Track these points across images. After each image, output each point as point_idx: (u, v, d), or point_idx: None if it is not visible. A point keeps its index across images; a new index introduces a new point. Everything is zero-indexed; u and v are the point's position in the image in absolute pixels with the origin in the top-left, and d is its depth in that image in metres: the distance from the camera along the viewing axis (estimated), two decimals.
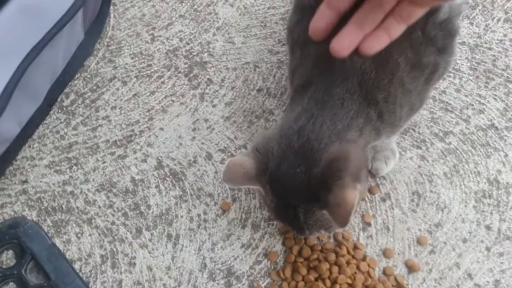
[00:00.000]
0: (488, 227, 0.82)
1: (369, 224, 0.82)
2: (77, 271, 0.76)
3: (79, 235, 0.80)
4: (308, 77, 0.66)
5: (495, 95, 0.93)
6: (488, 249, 0.80)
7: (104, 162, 0.86)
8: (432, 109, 0.92)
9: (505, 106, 0.92)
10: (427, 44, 0.65)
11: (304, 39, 0.67)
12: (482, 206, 0.84)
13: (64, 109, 0.91)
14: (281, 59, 0.97)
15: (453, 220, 0.82)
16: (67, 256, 0.77)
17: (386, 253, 0.79)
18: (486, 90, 0.94)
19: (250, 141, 0.88)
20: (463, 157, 0.88)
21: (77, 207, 0.82)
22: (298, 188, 0.61)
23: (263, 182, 0.63)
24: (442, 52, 0.68)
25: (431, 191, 0.85)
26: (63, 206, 0.82)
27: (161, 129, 0.89)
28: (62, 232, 0.80)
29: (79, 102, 0.91)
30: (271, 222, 0.81)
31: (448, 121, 0.92)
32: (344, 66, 0.63)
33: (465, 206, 0.84)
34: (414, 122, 0.91)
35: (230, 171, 0.63)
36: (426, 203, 0.84)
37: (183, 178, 0.85)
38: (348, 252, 0.77)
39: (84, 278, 0.76)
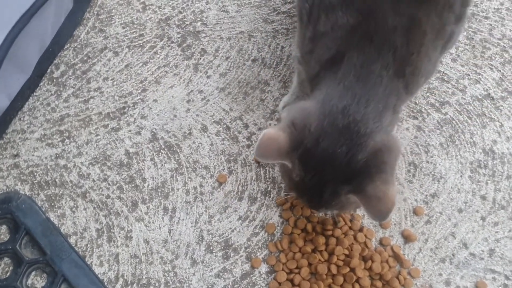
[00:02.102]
0: (483, 197, 0.82)
1: None
2: (73, 246, 0.75)
3: (73, 209, 0.79)
4: (338, 50, 0.64)
5: (491, 65, 0.92)
6: (483, 218, 0.81)
7: (97, 135, 0.84)
8: (428, 80, 0.91)
9: (501, 76, 0.92)
10: (449, 11, 0.65)
11: (329, 3, 0.64)
12: (477, 176, 0.84)
13: (55, 80, 0.88)
14: (277, 28, 0.95)
15: (449, 190, 0.83)
16: (62, 231, 0.77)
17: (382, 224, 0.80)
18: (482, 60, 0.93)
19: (245, 113, 0.87)
20: (459, 127, 0.88)
21: (71, 181, 0.81)
22: (335, 167, 0.60)
23: (293, 157, 0.61)
24: (459, 20, 0.67)
25: (427, 162, 0.85)
26: (56, 180, 0.81)
27: (155, 100, 0.87)
28: (56, 206, 0.79)
29: (70, 74, 0.89)
30: (268, 195, 0.81)
31: (444, 91, 0.91)
32: (379, 39, 0.61)
33: (461, 176, 0.84)
34: None
35: (264, 147, 0.60)
36: (423, 173, 0.84)
37: (178, 151, 0.83)
38: (346, 223, 0.77)
39: (80, 252, 0.75)
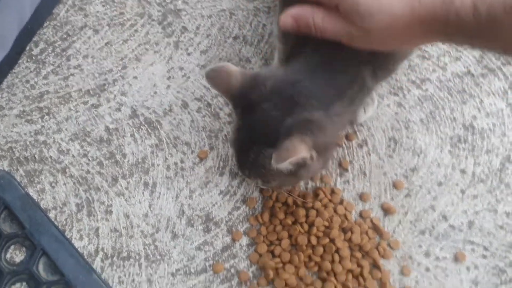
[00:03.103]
0: (463, 171, 0.83)
1: (346, 170, 0.82)
2: (52, 220, 0.75)
3: (53, 184, 0.78)
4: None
5: None
6: (462, 192, 0.81)
7: (77, 111, 0.84)
8: (409, 57, 0.92)
9: (481, 54, 0.92)
10: None
11: None
12: (457, 151, 0.85)
13: (34, 58, 0.88)
14: (258, 7, 0.95)
15: (429, 164, 0.83)
16: (41, 206, 0.76)
17: (362, 197, 0.80)
18: None
19: None
20: (439, 103, 0.88)
21: (50, 157, 0.80)
22: (266, 128, 0.62)
23: (239, 104, 0.64)
24: None
25: (408, 137, 0.85)
26: (36, 156, 0.80)
27: (135, 77, 0.87)
28: (36, 181, 0.79)
29: (49, 51, 0.88)
30: None
31: (425, 69, 0.92)
32: None
33: (441, 151, 0.85)
34: None
35: (217, 72, 0.64)
36: (403, 148, 0.84)
37: (158, 127, 0.83)
38: (326, 196, 0.78)
39: (59, 227, 0.75)
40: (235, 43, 0.92)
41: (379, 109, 0.87)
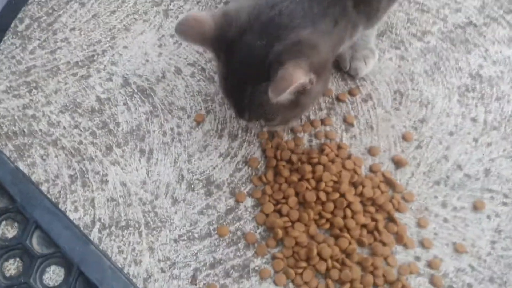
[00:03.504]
0: (474, 119, 0.79)
1: (351, 125, 0.78)
2: (45, 193, 0.71)
3: (44, 157, 0.74)
4: None
5: None
6: (475, 140, 0.77)
7: (66, 83, 0.80)
8: (407, 11, 0.89)
9: (481, 3, 0.89)
10: None
11: None
12: (466, 100, 0.81)
13: (19, 34, 0.85)
14: None
15: (438, 115, 0.79)
16: (33, 179, 0.72)
17: (371, 151, 0.76)
18: None
19: None
20: (443, 54, 0.85)
21: (40, 130, 0.77)
22: (254, 62, 0.57)
23: (219, 48, 0.59)
24: None
25: (413, 89, 0.82)
26: (25, 130, 0.76)
27: (125, 47, 0.84)
28: (26, 155, 0.75)
29: (35, 27, 0.85)
30: (249, 131, 0.77)
31: (425, 21, 0.88)
32: None
33: (449, 101, 0.81)
34: (390, 24, 0.87)
35: (186, 24, 0.58)
36: (409, 100, 0.81)
37: (152, 94, 0.79)
38: (332, 151, 0.74)
39: (52, 199, 0.71)
40: None
41: (381, 63, 0.83)
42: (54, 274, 0.66)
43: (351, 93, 0.81)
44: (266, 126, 0.69)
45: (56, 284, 0.65)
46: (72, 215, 0.70)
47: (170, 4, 0.88)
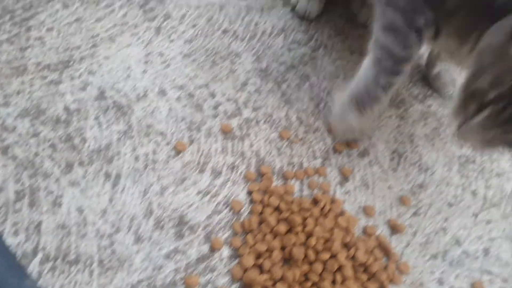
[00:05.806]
0: (474, 193, 0.73)
1: (346, 179, 0.70)
2: None
3: None
4: None
5: None
6: (475, 215, 0.71)
7: (31, 86, 0.69)
8: (411, 73, 0.85)
9: None
10: None
11: None
12: (466, 171, 0.76)
13: None
14: (251, 5, 0.87)
15: (437, 182, 0.73)
16: None
17: (366, 210, 0.68)
18: None
19: (212, 82, 0.75)
20: (443, 121, 0.80)
21: None
22: None
23: None
24: None
25: (412, 152, 0.76)
26: None
27: (107, 58, 0.74)
28: None
29: (6, 19, 0.75)
30: (235, 170, 0.67)
31: (427, 85, 0.85)
32: None
33: (449, 169, 0.75)
34: None
35: None
36: (408, 163, 0.74)
37: (129, 112, 0.70)
38: (326, 204, 0.65)
39: None
40: (224, 37, 0.82)
41: (379, 120, 0.78)
42: None
43: (349, 145, 0.74)
44: None
45: None
46: (10, 239, 0.57)
47: (163, 23, 0.80)
